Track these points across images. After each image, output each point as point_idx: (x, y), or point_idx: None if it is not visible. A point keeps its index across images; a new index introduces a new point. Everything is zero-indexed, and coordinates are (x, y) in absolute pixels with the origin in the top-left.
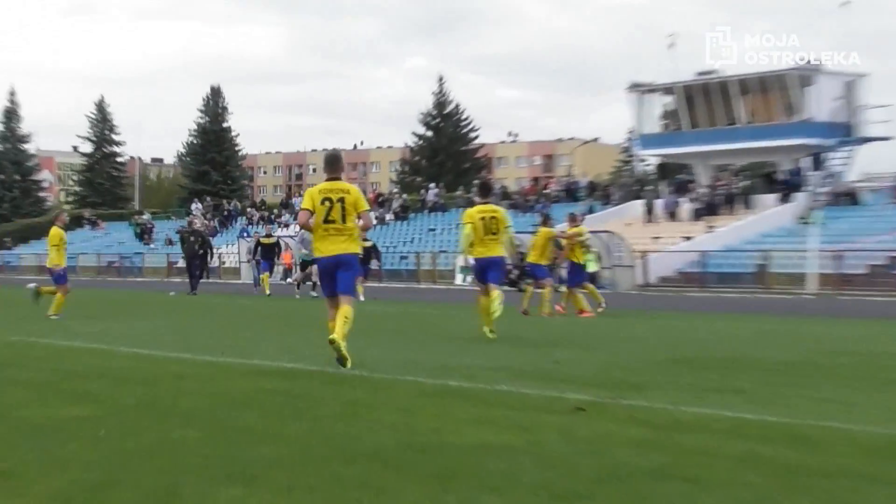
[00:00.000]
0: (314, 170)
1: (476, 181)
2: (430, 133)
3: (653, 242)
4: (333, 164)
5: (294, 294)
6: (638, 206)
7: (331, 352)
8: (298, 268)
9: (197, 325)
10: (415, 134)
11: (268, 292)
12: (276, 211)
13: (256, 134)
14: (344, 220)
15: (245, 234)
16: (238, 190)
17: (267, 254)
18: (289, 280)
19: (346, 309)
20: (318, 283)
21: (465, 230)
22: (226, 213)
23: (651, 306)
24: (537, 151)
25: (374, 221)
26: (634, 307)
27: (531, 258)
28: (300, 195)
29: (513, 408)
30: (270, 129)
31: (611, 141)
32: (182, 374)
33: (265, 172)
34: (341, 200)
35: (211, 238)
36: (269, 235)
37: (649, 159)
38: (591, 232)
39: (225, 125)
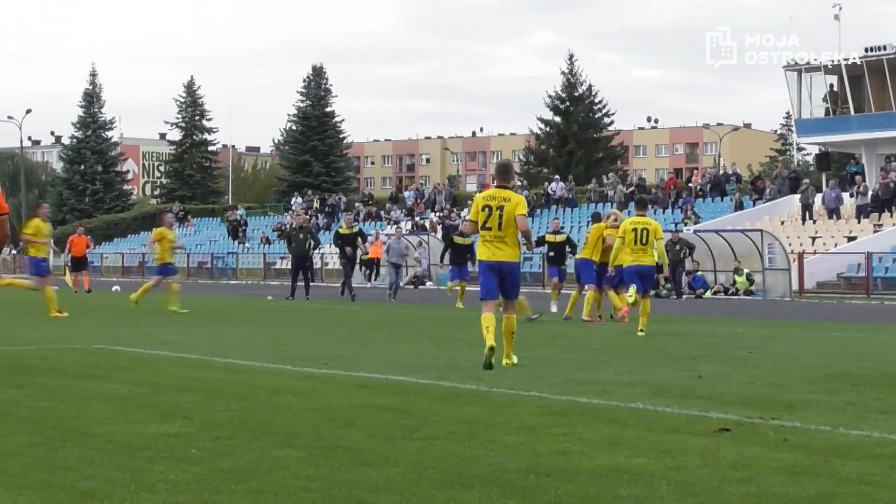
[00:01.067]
0: (427, 160)
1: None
2: (558, 118)
3: (811, 243)
4: (503, 172)
5: (389, 300)
6: (794, 201)
7: (482, 356)
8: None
9: (296, 334)
10: (541, 119)
11: (459, 306)
12: (385, 206)
13: (363, 120)
14: (500, 226)
15: None
16: (342, 182)
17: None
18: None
19: (510, 322)
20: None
21: (616, 243)
22: (329, 208)
23: (807, 315)
24: (680, 139)
25: (528, 226)
26: (788, 316)
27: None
28: (412, 187)
29: (650, 428)
30: (379, 115)
31: (764, 127)
32: (280, 388)
33: (372, 163)
34: (500, 208)
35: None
36: (350, 227)
37: (808, 148)
38: (739, 231)
39: (328, 110)
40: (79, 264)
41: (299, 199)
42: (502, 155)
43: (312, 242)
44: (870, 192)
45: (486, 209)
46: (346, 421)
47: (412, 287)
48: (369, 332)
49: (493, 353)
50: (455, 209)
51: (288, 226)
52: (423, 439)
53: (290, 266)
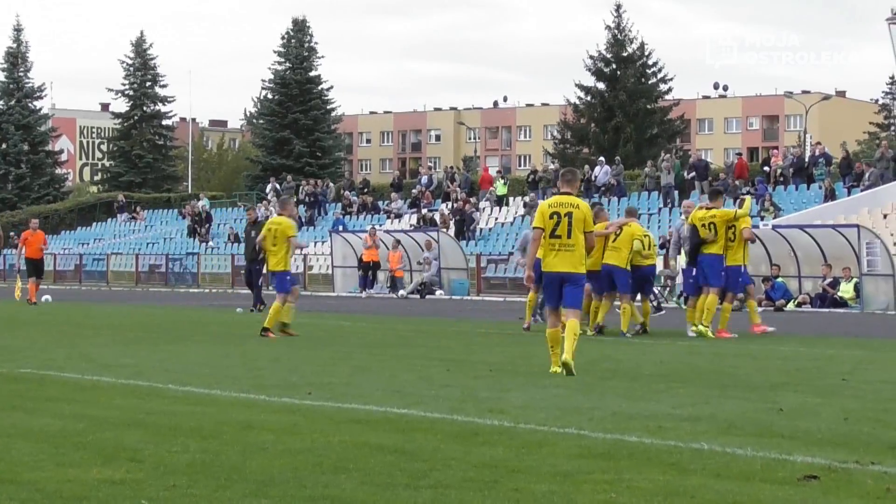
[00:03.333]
0: (437, 137)
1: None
2: (601, 85)
3: None
4: (568, 178)
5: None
6: None
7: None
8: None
9: (273, 356)
10: (580, 86)
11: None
12: (386, 195)
13: (357, 87)
14: (570, 235)
15: (340, 228)
16: (331, 166)
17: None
18: (402, 293)
19: (572, 324)
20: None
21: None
22: (313, 197)
23: None
24: (756, 111)
25: (592, 244)
26: (893, 334)
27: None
28: (419, 172)
29: (717, 475)
30: (377, 80)
31: (862, 96)
32: (252, 424)
33: (369, 141)
34: (569, 215)
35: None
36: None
37: None
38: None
39: (312, 74)
40: (37, 268)
41: (276, 186)
42: (531, 131)
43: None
44: None
45: (555, 216)
46: (336, 464)
47: (417, 296)
48: (364, 353)
49: (570, 367)
50: (473, 199)
51: (247, 221)
52: (432, 488)
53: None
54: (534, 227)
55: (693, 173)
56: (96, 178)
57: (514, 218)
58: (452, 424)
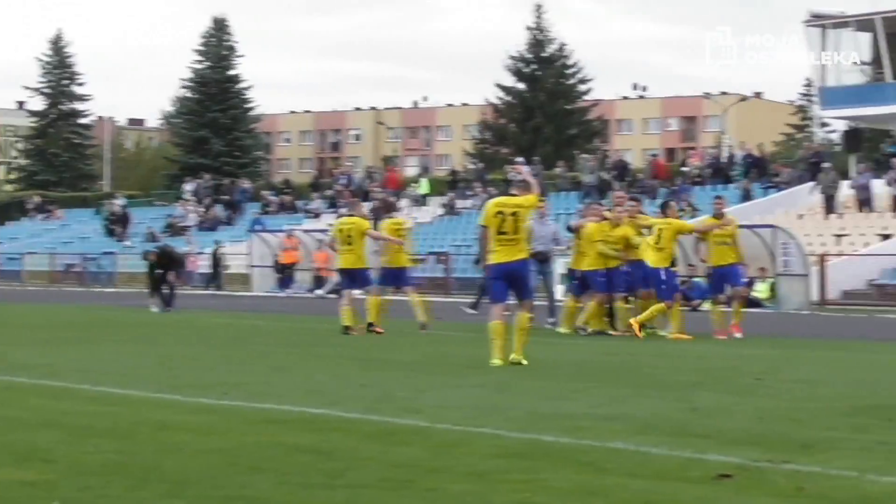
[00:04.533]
0: (357, 136)
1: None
2: (521, 85)
3: (836, 242)
4: (522, 188)
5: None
6: (816, 190)
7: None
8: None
9: (189, 355)
10: (500, 87)
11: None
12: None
13: (277, 86)
14: (516, 231)
15: (259, 228)
16: (250, 165)
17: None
18: (319, 292)
19: (523, 319)
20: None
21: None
22: (231, 198)
23: (830, 332)
24: (674, 112)
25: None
26: (807, 334)
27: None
28: (342, 173)
29: (632, 474)
30: (297, 79)
31: (779, 97)
32: (168, 424)
33: (288, 140)
34: (515, 214)
35: (184, 255)
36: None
37: (834, 123)
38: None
39: (232, 73)
40: None
41: (193, 185)
42: (452, 130)
43: (169, 267)
44: None
45: (500, 215)
46: (252, 465)
47: (336, 296)
48: (281, 352)
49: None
50: (394, 199)
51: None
52: (349, 487)
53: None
54: (481, 226)
55: (613, 173)
56: (10, 176)
57: (434, 219)
58: (369, 424)
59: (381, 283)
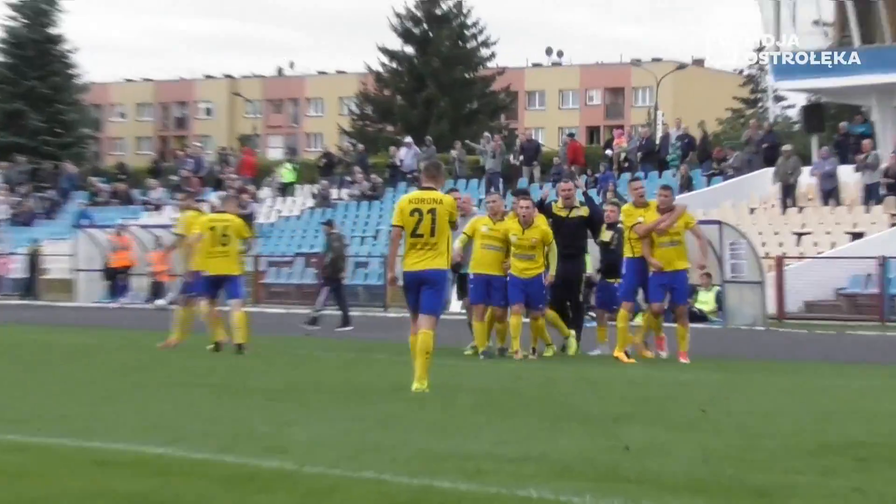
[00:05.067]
0: (208, 111)
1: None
2: (409, 49)
3: (796, 243)
4: (433, 173)
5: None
6: (770, 178)
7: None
8: None
9: None
10: (384, 51)
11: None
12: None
13: (109, 48)
14: (433, 233)
15: (86, 223)
16: (74, 145)
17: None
18: (160, 302)
19: (425, 339)
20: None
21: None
22: (52, 185)
23: (790, 353)
24: (597, 82)
25: (458, 246)
26: (762, 354)
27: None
28: (188, 155)
29: None
30: (134, 42)
31: (724, 66)
32: None
33: (123, 115)
34: (432, 212)
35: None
36: None
37: (791, 97)
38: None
39: (53, 32)
40: None
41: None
42: (323, 105)
43: None
44: (883, 165)
45: (416, 213)
46: None
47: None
48: (112, 377)
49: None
50: (253, 186)
51: None
52: None
53: None
54: (393, 226)
55: (521, 157)
56: None
57: (302, 212)
58: (222, 467)
59: (191, 291)
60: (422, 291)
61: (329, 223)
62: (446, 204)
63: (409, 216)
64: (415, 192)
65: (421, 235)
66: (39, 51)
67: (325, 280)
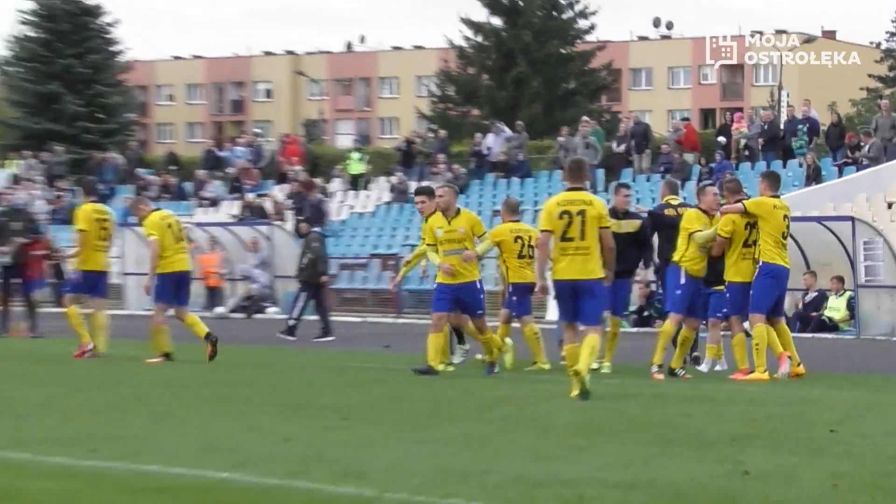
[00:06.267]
0: (268, 92)
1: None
2: (497, 21)
3: None
4: (576, 172)
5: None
6: None
7: (573, 386)
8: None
9: (39, 398)
10: (467, 22)
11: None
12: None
13: (154, 22)
14: (584, 236)
15: (131, 221)
16: (118, 132)
17: None
18: (221, 310)
19: (592, 339)
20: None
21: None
22: (92, 177)
23: None
24: (711, 58)
25: (612, 243)
26: None
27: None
28: (245, 141)
29: None
30: (183, 13)
31: (858, 39)
32: (14, 493)
33: (171, 98)
34: (581, 213)
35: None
36: None
37: None
38: (815, 219)
39: (90, 2)
40: None
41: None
42: (399, 84)
43: (30, 235)
44: None
45: (565, 216)
46: None
47: (243, 315)
48: (168, 394)
49: (582, 378)
50: (320, 179)
51: None
52: None
53: None
54: (541, 231)
55: (623, 146)
56: None
57: (377, 207)
58: (293, 494)
59: (73, 290)
60: (582, 301)
61: (307, 220)
62: (596, 205)
63: (557, 219)
64: (562, 194)
65: (571, 239)
66: (75, 24)
67: (302, 285)
